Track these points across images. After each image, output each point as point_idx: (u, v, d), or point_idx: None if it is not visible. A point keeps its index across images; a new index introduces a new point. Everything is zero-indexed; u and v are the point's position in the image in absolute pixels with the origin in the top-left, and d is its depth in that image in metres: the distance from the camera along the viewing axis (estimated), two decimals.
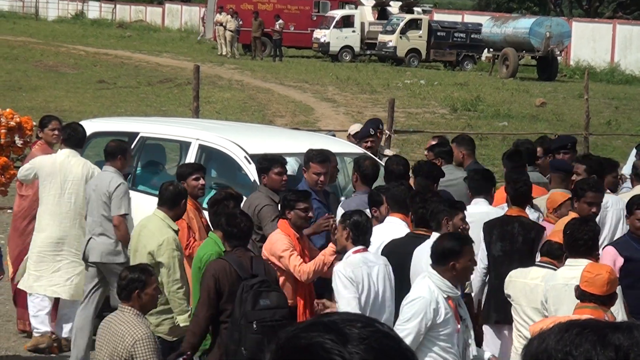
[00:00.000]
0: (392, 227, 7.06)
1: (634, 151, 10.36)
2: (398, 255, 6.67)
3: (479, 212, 7.56)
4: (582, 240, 6.31)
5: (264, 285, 6.37)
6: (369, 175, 7.96)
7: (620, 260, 7.05)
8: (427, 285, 5.80)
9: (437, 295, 5.73)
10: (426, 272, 5.90)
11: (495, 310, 7.36)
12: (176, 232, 7.26)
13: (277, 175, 7.71)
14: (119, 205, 7.90)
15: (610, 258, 7.03)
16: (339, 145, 9.70)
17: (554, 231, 6.99)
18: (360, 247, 6.44)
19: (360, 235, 6.44)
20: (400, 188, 7.26)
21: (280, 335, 1.65)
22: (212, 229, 7.14)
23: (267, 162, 7.79)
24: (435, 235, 6.42)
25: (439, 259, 5.81)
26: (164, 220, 7.21)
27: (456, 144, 9.71)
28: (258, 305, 6.28)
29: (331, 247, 6.94)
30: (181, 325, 7.05)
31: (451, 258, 5.76)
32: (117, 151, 8.12)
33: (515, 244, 7.29)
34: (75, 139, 8.54)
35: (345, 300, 6.20)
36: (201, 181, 7.83)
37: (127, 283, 6.01)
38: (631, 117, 25.88)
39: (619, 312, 6.02)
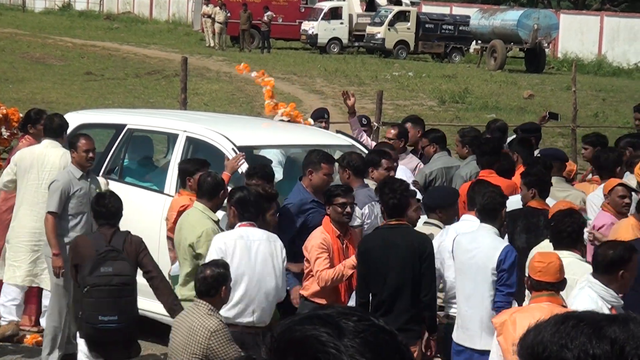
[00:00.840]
0: (468, 225, 7.08)
1: None
2: (378, 249, 6.78)
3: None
4: (565, 232, 6.33)
5: (111, 254, 6.81)
6: (360, 168, 7.95)
7: None
8: (589, 296, 5.64)
9: (601, 306, 5.56)
10: (586, 281, 5.73)
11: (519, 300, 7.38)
12: (217, 222, 7.26)
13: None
14: (49, 202, 7.95)
15: None
16: (327, 137, 9.69)
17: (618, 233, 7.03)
18: (245, 222, 6.81)
19: (245, 212, 6.79)
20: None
21: (275, 328, 1.64)
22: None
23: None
24: (485, 227, 6.65)
25: (607, 268, 5.66)
26: (203, 212, 7.21)
27: (412, 124, 9.92)
28: (97, 272, 6.74)
29: (352, 260, 7.04)
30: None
31: (620, 266, 5.66)
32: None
33: (541, 237, 7.20)
34: (50, 129, 8.54)
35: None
36: None
37: (215, 279, 5.97)
38: (618, 109, 25.95)
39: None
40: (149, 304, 7.82)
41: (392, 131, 9.68)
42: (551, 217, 6.61)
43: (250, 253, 6.73)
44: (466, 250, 6.78)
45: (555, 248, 6.36)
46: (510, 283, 6.62)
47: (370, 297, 6.76)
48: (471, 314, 6.70)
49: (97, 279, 6.72)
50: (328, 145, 9.55)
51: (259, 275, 6.75)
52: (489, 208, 6.76)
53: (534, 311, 5.38)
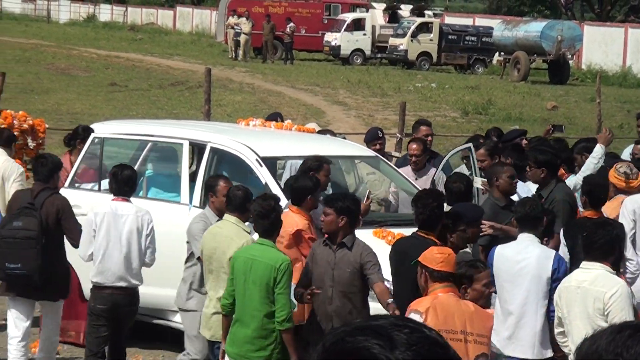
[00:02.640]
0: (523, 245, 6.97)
1: (629, 150, 10.49)
2: (402, 255, 6.84)
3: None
4: (597, 244, 6.29)
5: (25, 211, 7.62)
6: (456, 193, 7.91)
7: None
8: None
9: None
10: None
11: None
12: (250, 233, 7.29)
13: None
14: None
15: None
16: (350, 148, 9.70)
17: None
18: (118, 197, 7.65)
19: (119, 187, 7.63)
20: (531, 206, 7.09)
21: (327, 338, 1.63)
22: (264, 237, 7.02)
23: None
24: (525, 236, 6.66)
25: None
26: (237, 225, 7.25)
27: (426, 126, 10.13)
28: (9, 225, 7.67)
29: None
30: None
31: None
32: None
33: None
34: (1, 139, 9.30)
35: (83, 236, 7.69)
36: None
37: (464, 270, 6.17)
38: None
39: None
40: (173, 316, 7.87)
41: (414, 146, 9.61)
42: (584, 227, 6.59)
43: (118, 225, 7.60)
44: (515, 261, 6.76)
45: (585, 259, 6.32)
46: None
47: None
48: (524, 325, 6.68)
49: (6, 232, 7.65)
50: (352, 157, 9.58)
51: (126, 245, 7.61)
52: (532, 216, 6.83)
53: (447, 300, 5.79)
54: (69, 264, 8.05)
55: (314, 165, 7.92)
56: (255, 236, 7.25)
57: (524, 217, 6.86)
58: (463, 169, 9.32)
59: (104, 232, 7.60)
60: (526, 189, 8.41)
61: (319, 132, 10.63)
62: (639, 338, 1.71)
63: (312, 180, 7.60)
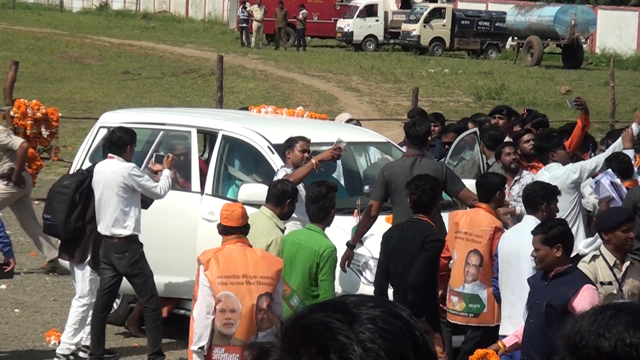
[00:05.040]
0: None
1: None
2: (395, 240, 7.02)
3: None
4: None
5: (78, 172, 8.71)
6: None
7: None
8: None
9: None
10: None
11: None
12: (283, 230, 7.30)
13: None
14: None
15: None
16: (363, 134, 9.70)
17: None
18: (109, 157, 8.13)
19: (111, 149, 8.10)
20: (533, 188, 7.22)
21: (288, 317, 1.61)
22: (312, 221, 7.13)
23: None
24: (529, 218, 6.85)
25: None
26: (271, 219, 7.23)
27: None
28: (60, 182, 8.47)
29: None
30: None
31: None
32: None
33: None
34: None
35: None
36: None
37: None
38: None
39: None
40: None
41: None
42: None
43: (101, 183, 8.10)
44: (509, 240, 6.94)
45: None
46: None
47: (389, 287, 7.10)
48: (517, 303, 6.75)
49: (54, 187, 8.45)
50: (364, 143, 9.58)
51: (105, 200, 8.06)
52: (530, 200, 7.01)
53: (231, 250, 6.41)
54: (100, 235, 8.18)
55: (285, 144, 8.07)
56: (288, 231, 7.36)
57: (525, 199, 7.08)
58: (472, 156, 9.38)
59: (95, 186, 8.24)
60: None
61: (347, 121, 10.67)
62: (620, 318, 1.72)
63: (498, 177, 7.79)
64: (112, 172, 8.03)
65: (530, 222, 6.83)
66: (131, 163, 8.14)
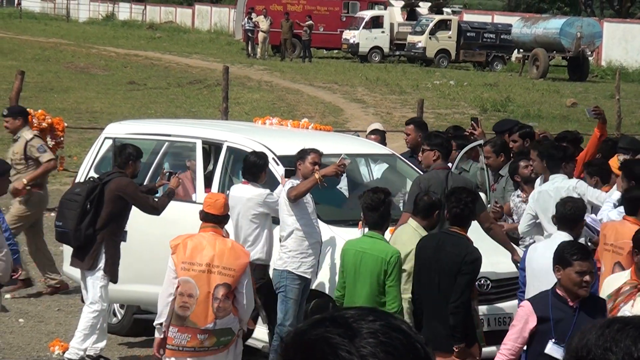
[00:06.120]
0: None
1: None
2: (430, 250, 6.93)
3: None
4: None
5: (89, 180, 8.65)
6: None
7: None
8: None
9: None
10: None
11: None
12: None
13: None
14: None
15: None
16: (366, 146, 9.70)
17: None
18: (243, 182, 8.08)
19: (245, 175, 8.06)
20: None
21: (289, 332, 1.60)
22: (372, 229, 7.13)
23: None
24: (561, 234, 6.69)
25: None
26: (416, 230, 7.25)
27: (414, 126, 9.89)
28: (71, 190, 8.48)
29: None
30: None
31: None
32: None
33: None
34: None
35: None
36: None
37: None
38: None
39: None
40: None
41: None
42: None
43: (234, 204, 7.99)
44: (540, 255, 6.79)
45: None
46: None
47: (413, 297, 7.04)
48: None
49: (66, 194, 8.58)
50: (369, 155, 9.57)
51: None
52: (571, 218, 6.88)
53: (205, 239, 6.80)
54: (113, 244, 8.24)
55: (298, 156, 8.04)
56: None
57: (563, 217, 6.92)
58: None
59: None
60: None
61: (374, 130, 10.64)
62: (628, 332, 1.71)
63: None
64: (247, 199, 7.99)
65: (562, 238, 6.71)
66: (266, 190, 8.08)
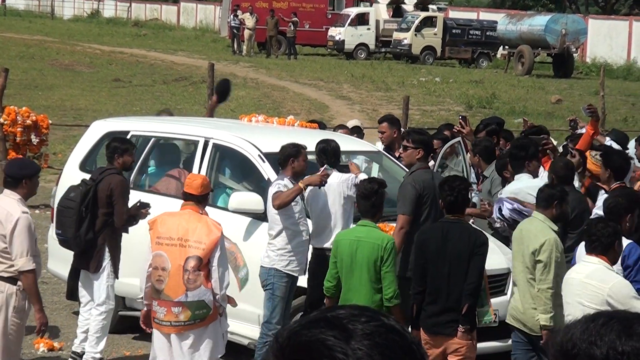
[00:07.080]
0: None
1: (633, 142, 10.43)
2: (437, 241, 7.01)
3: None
4: (596, 238, 6.31)
5: (82, 183, 8.35)
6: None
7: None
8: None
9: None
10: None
11: None
12: (555, 232, 7.27)
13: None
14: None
15: None
16: (352, 143, 9.70)
17: None
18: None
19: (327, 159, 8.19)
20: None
21: (282, 332, 1.59)
22: (364, 217, 7.22)
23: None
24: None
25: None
26: (544, 222, 7.24)
27: (388, 124, 9.87)
28: (66, 195, 8.28)
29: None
30: (541, 323, 7.08)
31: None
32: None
33: None
34: None
35: None
36: None
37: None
38: None
39: None
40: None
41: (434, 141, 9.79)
42: (587, 221, 6.64)
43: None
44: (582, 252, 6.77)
45: (587, 252, 6.39)
46: (638, 279, 6.59)
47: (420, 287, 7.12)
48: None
49: (62, 201, 8.41)
50: (355, 152, 9.57)
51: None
52: (614, 211, 6.85)
53: (182, 215, 7.11)
54: (115, 243, 8.20)
55: (293, 152, 7.98)
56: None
57: (607, 210, 6.89)
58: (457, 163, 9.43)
59: None
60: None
61: (354, 127, 10.71)
62: (612, 326, 1.71)
63: None
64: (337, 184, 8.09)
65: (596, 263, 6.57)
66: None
